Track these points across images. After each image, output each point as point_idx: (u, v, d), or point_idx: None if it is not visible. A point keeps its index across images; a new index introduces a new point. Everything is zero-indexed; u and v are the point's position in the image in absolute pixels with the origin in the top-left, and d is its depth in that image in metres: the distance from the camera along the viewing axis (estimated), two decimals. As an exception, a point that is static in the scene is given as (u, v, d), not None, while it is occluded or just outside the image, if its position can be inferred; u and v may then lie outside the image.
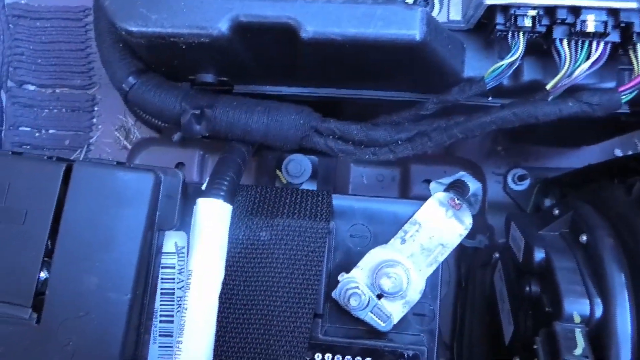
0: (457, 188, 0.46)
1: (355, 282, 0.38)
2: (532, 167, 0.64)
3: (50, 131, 0.68)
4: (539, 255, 0.43)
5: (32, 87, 0.67)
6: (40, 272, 0.35)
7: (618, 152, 0.62)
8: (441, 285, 0.58)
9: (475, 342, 0.59)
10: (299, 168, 0.58)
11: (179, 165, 0.64)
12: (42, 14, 0.66)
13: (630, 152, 0.63)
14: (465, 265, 0.64)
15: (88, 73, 0.67)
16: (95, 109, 0.68)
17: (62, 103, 0.68)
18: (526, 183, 0.63)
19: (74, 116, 0.68)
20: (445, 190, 0.43)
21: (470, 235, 0.62)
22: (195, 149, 0.65)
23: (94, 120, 0.68)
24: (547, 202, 0.60)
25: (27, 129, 0.67)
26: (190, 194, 0.38)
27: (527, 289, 0.44)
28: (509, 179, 0.64)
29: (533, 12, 0.36)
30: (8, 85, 0.67)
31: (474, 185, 0.49)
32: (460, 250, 0.64)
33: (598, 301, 0.38)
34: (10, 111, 0.67)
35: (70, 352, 0.34)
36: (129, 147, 0.67)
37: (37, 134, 0.68)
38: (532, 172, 0.63)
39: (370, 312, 0.37)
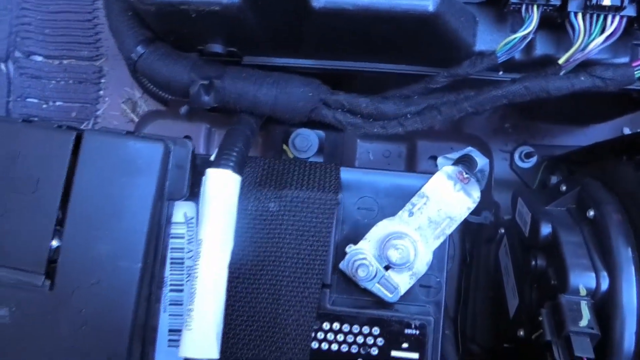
0: (465, 162, 0.46)
1: (363, 253, 0.38)
2: (540, 145, 0.63)
3: (57, 103, 0.67)
4: (545, 229, 0.43)
5: (39, 58, 0.67)
6: (52, 241, 0.35)
7: (627, 130, 0.62)
8: (449, 260, 0.59)
9: (479, 315, 0.60)
10: (306, 142, 0.58)
11: (186, 138, 0.64)
12: (49, -17, 0.65)
13: (639, 130, 0.62)
14: (470, 241, 0.64)
15: (95, 44, 0.66)
16: (102, 81, 0.68)
17: (69, 74, 0.67)
18: (533, 160, 0.63)
19: (81, 88, 0.67)
20: (453, 164, 0.43)
21: (475, 212, 0.62)
22: (202, 122, 0.65)
23: (101, 92, 0.68)
24: (554, 180, 0.60)
25: (35, 100, 0.67)
26: (199, 165, 0.38)
27: (533, 263, 0.44)
28: (516, 156, 0.63)
29: (548, -16, 0.36)
30: (15, 55, 0.67)
31: (481, 160, 0.49)
32: (465, 226, 0.64)
33: (604, 274, 0.39)
34: (18, 82, 0.66)
35: (83, 319, 0.34)
36: (136, 119, 0.67)
37: (44, 106, 0.68)
38: (539, 150, 0.63)
39: (378, 283, 0.38)
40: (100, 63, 0.67)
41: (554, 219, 0.43)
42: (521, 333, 0.46)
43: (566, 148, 0.61)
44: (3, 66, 0.66)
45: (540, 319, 0.41)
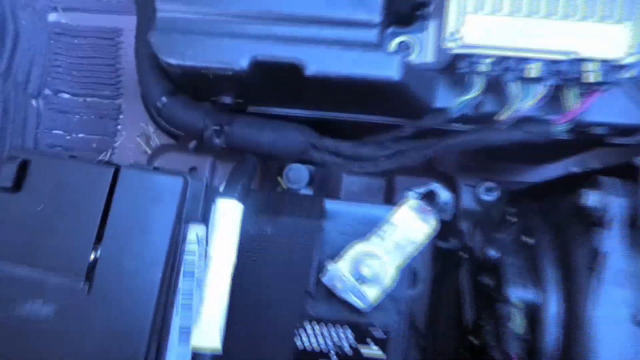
0: (428, 196, 0.55)
1: (340, 269, 0.47)
2: (501, 181, 0.73)
3: (80, 135, 0.77)
4: (493, 254, 0.52)
5: (66, 96, 0.76)
6: (91, 254, 0.44)
7: (573, 169, 0.72)
8: (420, 281, 0.68)
9: (443, 329, 0.68)
10: (298, 176, 0.67)
11: (192, 169, 0.73)
12: (79, 32, 0.75)
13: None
14: (441, 265, 0.73)
15: (116, 85, 0.76)
16: (121, 117, 0.77)
17: (92, 110, 0.77)
18: (495, 194, 0.72)
19: (102, 122, 0.77)
20: (420, 198, 0.52)
21: (444, 239, 0.72)
22: (207, 155, 0.74)
23: (119, 127, 0.77)
24: (509, 211, 0.69)
25: (60, 132, 0.76)
26: (209, 194, 0.47)
27: (482, 281, 0.53)
28: (480, 190, 0.73)
29: (489, 60, 0.45)
30: (45, 92, 0.76)
31: (445, 194, 0.58)
32: (437, 252, 0.73)
33: (535, 290, 0.48)
34: (47, 115, 0.76)
35: (112, 318, 0.43)
36: (149, 151, 0.76)
37: (67, 137, 0.77)
38: (501, 185, 0.72)
39: (352, 293, 0.47)
40: (119, 101, 0.77)
41: (500, 245, 0.52)
42: (475, 342, 0.55)
43: (523, 184, 0.70)
44: (34, 102, 0.76)
45: (484, 327, 0.50)
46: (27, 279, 0.43)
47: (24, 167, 0.45)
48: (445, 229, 0.72)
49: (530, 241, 0.51)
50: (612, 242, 0.44)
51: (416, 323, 0.53)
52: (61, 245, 0.44)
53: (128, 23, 0.74)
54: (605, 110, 0.49)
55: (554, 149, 0.61)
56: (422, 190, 0.59)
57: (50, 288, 0.43)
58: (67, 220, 0.44)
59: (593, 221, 0.46)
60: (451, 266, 0.71)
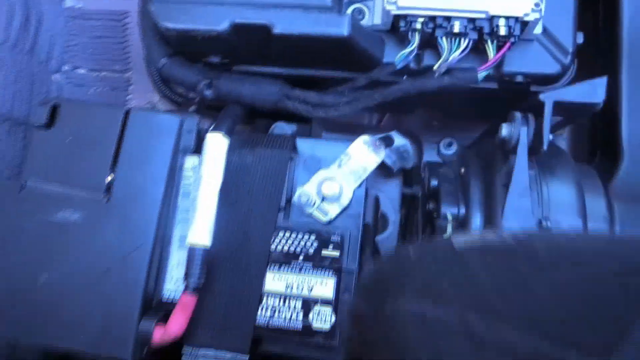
0: (386, 140, 0.67)
1: (306, 191, 0.58)
2: (459, 137, 0.84)
3: (95, 104, 0.89)
4: (433, 182, 0.64)
5: (82, 71, 0.89)
6: (109, 175, 0.56)
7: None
8: (390, 224, 0.80)
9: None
10: (282, 132, 0.79)
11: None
12: (92, 15, 0.87)
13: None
14: (406, 209, 0.84)
15: (125, 60, 0.88)
16: (130, 88, 0.89)
17: (105, 83, 0.89)
18: (453, 148, 0.83)
19: (114, 94, 0.89)
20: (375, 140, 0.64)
21: (408, 185, 0.83)
22: (204, 120, 0.86)
23: (129, 97, 0.89)
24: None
25: (78, 102, 0.89)
26: (202, 132, 0.59)
27: (427, 206, 0.65)
28: (441, 145, 0.84)
29: (421, 19, 0.57)
30: (65, 68, 0.88)
31: (400, 139, 0.69)
32: (403, 198, 0.85)
33: (462, 207, 0.59)
34: (66, 88, 0.88)
35: (126, 221, 0.55)
36: (155, 117, 0.88)
37: (84, 107, 0.89)
38: (458, 141, 0.84)
39: (316, 209, 0.58)
40: (128, 75, 0.89)
41: (440, 177, 0.64)
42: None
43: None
44: (54, 77, 0.88)
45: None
46: (59, 194, 0.55)
47: (54, 109, 0.57)
48: (409, 177, 0.84)
49: (462, 170, 0.62)
50: (519, 163, 0.55)
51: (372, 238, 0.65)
52: (85, 169, 0.56)
53: (133, 6, 0.86)
54: (523, 61, 0.60)
55: (493, 102, 0.72)
56: (380, 135, 0.71)
57: (78, 200, 0.55)
58: (89, 150, 0.56)
59: (509, 149, 0.57)
60: (414, 209, 0.83)
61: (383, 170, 0.84)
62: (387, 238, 0.85)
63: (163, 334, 0.54)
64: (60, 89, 0.88)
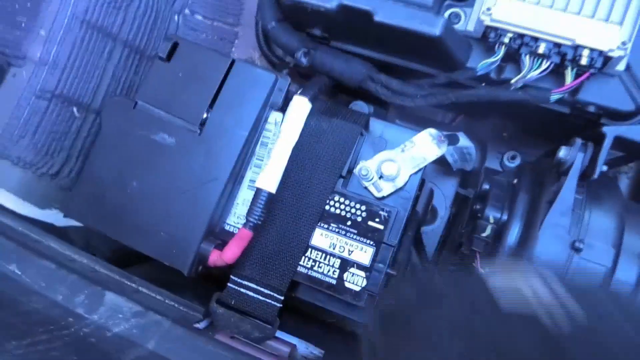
0: (451, 139, 0.71)
1: (368, 165, 0.65)
2: (524, 152, 0.87)
3: (203, 49, 0.99)
4: (485, 185, 0.68)
5: (199, 17, 0.99)
6: (205, 113, 0.65)
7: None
8: (438, 218, 0.85)
9: (447, 255, 0.85)
10: (359, 109, 0.85)
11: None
12: (219, -31, 0.97)
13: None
14: (456, 208, 0.89)
15: (238, 15, 0.97)
16: (236, 42, 0.98)
17: (215, 32, 0.98)
18: (517, 162, 0.87)
19: (221, 43, 0.98)
20: (442, 136, 0.69)
21: (464, 187, 0.88)
22: (294, 83, 0.94)
23: (233, 49, 0.98)
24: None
25: (189, 44, 0.99)
26: (290, 93, 0.66)
27: (475, 206, 0.70)
28: (505, 157, 0.88)
29: (510, 35, 0.61)
30: (185, 12, 0.99)
31: (465, 141, 0.73)
32: (455, 196, 0.90)
33: (506, 213, 0.64)
34: (182, 30, 0.98)
35: (214, 153, 0.63)
36: (251, 72, 0.96)
37: (193, 50, 0.99)
38: (523, 156, 0.87)
39: (373, 184, 0.65)
40: (237, 29, 0.98)
41: (492, 182, 0.68)
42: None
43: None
44: (176, 17, 0.98)
45: (461, 240, 0.66)
46: (162, 118, 0.65)
47: (175, 46, 0.66)
48: (466, 179, 0.88)
49: (514, 181, 0.66)
50: (567, 183, 0.59)
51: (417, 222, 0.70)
52: (188, 102, 0.65)
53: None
54: (599, 93, 0.63)
55: (562, 125, 0.75)
56: (447, 133, 0.75)
57: (175, 127, 0.64)
58: (195, 87, 0.65)
59: (563, 170, 0.61)
60: (464, 210, 0.88)
61: (444, 167, 0.89)
62: (432, 231, 0.91)
63: (218, 257, 0.63)
64: (177, 30, 0.99)
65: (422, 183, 0.71)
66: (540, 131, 0.84)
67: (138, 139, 0.65)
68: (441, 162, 0.82)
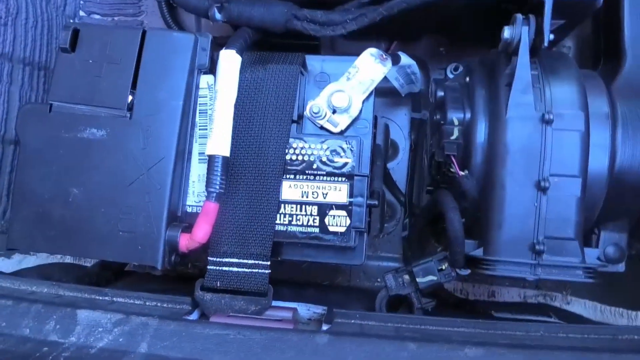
0: (394, 58, 0.68)
1: (317, 103, 0.61)
2: (464, 61, 0.86)
3: (111, 49, 0.92)
4: (439, 93, 0.66)
5: (97, 16, 0.92)
6: (128, 96, 0.59)
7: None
8: (399, 151, 0.82)
9: (421, 184, 0.83)
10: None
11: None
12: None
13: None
14: (415, 134, 0.87)
15: (137, 4, 0.91)
16: (143, 31, 0.92)
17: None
18: (460, 71, 0.85)
19: (128, 37, 0.92)
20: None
21: (417, 110, 0.86)
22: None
23: (142, 40, 0.92)
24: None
25: (95, 47, 0.92)
26: (215, 51, 0.62)
27: (434, 117, 0.67)
28: (448, 70, 0.86)
29: None
30: (80, 14, 0.91)
31: (406, 59, 0.71)
32: (412, 123, 0.87)
33: (468, 111, 0.61)
34: (83, 34, 0.91)
35: (148, 136, 0.58)
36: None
37: (101, 52, 0.92)
38: (463, 64, 0.85)
39: (327, 121, 0.61)
40: (141, 18, 0.92)
41: (445, 87, 0.66)
42: (434, 172, 0.69)
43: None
44: (70, 22, 0.91)
45: (433, 150, 0.64)
46: (85, 113, 0.59)
47: (75, 33, 0.60)
48: (417, 102, 0.86)
49: (467, 79, 0.64)
50: (520, 60, 0.57)
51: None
52: (107, 88, 0.59)
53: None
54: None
55: (489, 16, 0.72)
56: (388, 53, 0.72)
57: (101, 118, 0.58)
58: (110, 70, 0.59)
59: (512, 51, 0.59)
60: (423, 134, 0.85)
61: (392, 97, 0.87)
62: (398, 165, 0.89)
63: (189, 241, 0.58)
64: (77, 35, 0.91)
65: (376, 120, 0.68)
66: (472, 34, 0.82)
67: (65, 143, 0.59)
68: (389, 93, 0.80)
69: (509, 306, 0.75)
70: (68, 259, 0.93)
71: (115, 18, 0.92)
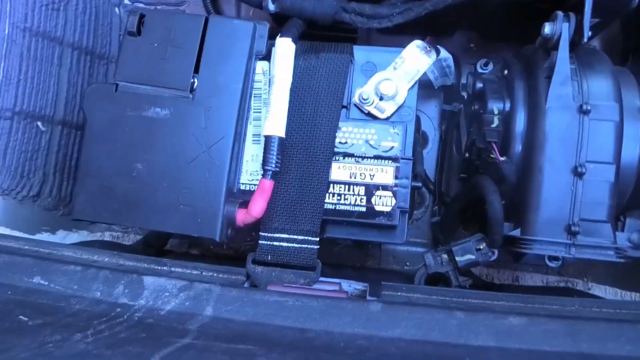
0: (432, 46, 0.72)
1: (366, 91, 0.65)
2: (495, 58, 0.90)
3: (153, 37, 0.95)
4: (478, 84, 0.70)
5: (141, 5, 0.95)
6: (192, 78, 0.63)
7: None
8: (428, 141, 0.86)
9: (449, 173, 0.87)
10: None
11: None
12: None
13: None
14: (445, 125, 0.91)
15: (180, -7, 0.95)
16: (184, 20, 0.95)
17: (161, 16, 0.95)
18: (490, 67, 0.89)
19: (169, 26, 0.95)
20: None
21: (448, 103, 0.90)
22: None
23: (183, 29, 0.95)
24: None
25: (137, 35, 0.95)
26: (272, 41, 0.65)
27: (473, 107, 0.71)
28: (478, 66, 0.90)
29: None
30: (125, 2, 0.95)
31: (445, 53, 0.75)
32: (442, 115, 0.91)
33: (507, 102, 0.65)
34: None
35: (209, 115, 0.62)
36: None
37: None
38: (494, 61, 0.89)
39: (375, 107, 0.65)
40: (183, 7, 0.95)
41: (484, 79, 0.70)
42: (467, 156, 0.73)
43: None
44: (117, 10, 0.95)
45: (473, 137, 0.68)
46: (149, 93, 0.62)
47: (141, 18, 0.63)
48: (449, 95, 0.90)
49: (505, 72, 0.68)
50: (561, 54, 0.61)
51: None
52: (172, 71, 0.63)
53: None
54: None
55: (525, 14, 0.77)
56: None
57: (165, 98, 0.62)
58: (174, 53, 0.63)
59: (551, 46, 0.63)
60: (453, 125, 0.89)
61: (422, 90, 0.91)
62: (427, 154, 0.92)
63: (245, 215, 0.62)
64: (121, 21, 0.95)
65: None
66: (502, 31, 0.86)
67: (130, 121, 0.62)
68: (421, 85, 0.84)
69: (534, 289, 0.79)
70: (107, 237, 0.97)
71: (159, 6, 0.95)
